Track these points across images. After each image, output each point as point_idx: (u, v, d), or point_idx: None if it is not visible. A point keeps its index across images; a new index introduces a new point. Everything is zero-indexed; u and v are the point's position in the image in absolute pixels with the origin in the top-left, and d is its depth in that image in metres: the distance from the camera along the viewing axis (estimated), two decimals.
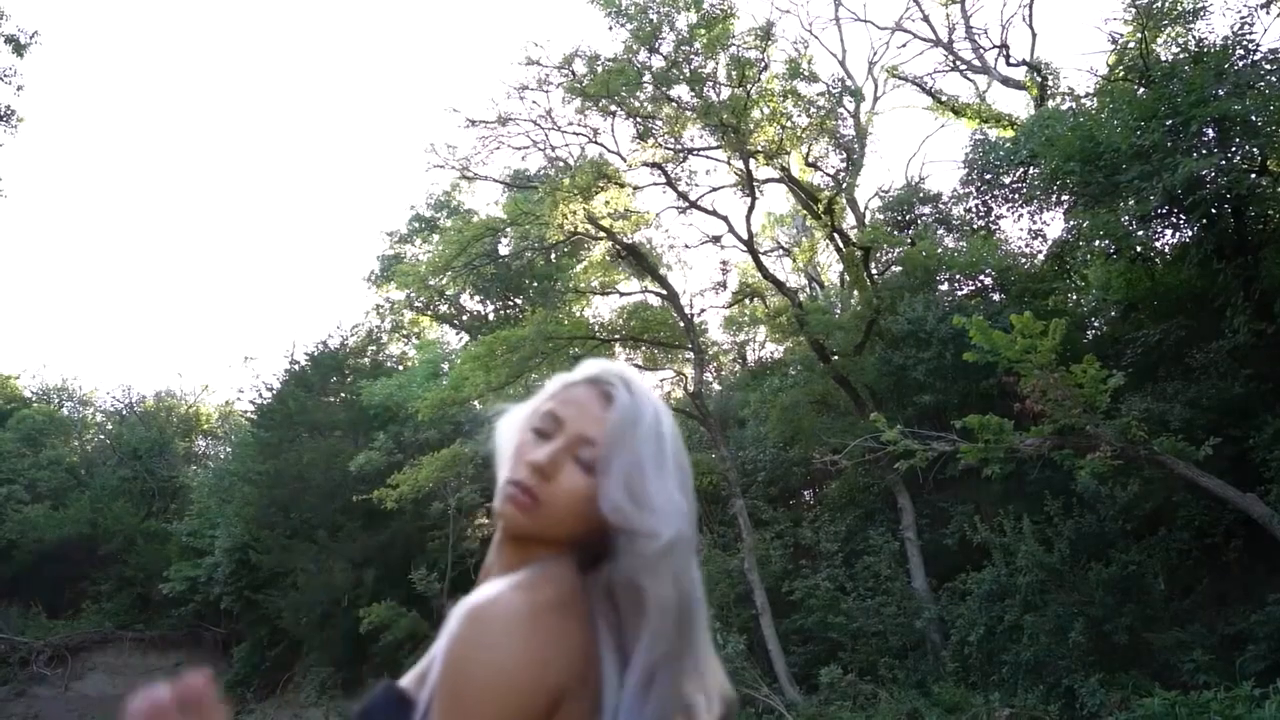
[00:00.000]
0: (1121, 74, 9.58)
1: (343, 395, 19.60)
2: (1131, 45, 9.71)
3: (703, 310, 14.64)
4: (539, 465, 1.05)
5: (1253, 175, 8.35)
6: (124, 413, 29.05)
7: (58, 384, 30.21)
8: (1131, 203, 8.58)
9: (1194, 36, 9.05)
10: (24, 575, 23.13)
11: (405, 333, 22.74)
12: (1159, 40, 9.35)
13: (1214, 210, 8.36)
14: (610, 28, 10.06)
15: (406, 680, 1.07)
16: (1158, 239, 9.63)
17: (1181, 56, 8.79)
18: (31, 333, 50.12)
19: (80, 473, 26.21)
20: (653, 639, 0.98)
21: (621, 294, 13.11)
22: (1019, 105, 15.90)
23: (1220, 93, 8.05)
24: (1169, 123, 8.09)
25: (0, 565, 22.88)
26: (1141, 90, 9.02)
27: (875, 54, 15.53)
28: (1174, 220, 9.20)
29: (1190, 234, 9.17)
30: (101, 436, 29.29)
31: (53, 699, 20.73)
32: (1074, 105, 9.62)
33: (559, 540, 1.04)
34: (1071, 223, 9.96)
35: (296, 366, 20.17)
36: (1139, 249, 9.75)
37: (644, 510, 1.01)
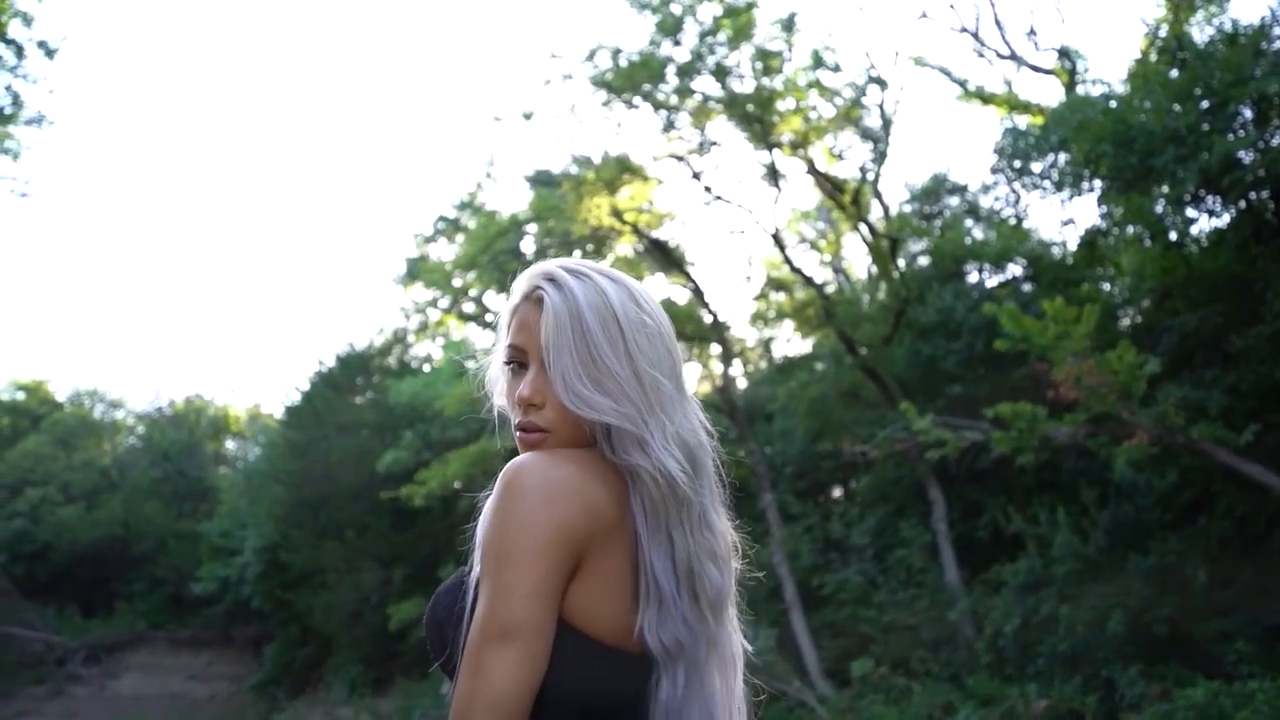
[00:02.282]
0: (1154, 57, 9.41)
1: (370, 395, 19.73)
2: (1164, 28, 9.55)
3: (729, 305, 14.56)
4: (526, 399, 1.11)
5: None
6: (154, 415, 29.44)
7: (89, 387, 30.65)
8: (1166, 188, 8.43)
9: (1229, 17, 8.89)
10: (59, 576, 23.51)
11: (431, 333, 22.87)
12: (1192, 20, 9.19)
13: (1252, 193, 8.19)
14: (638, 11, 10.02)
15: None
16: (1193, 223, 9.45)
17: (1216, 37, 8.62)
18: (62, 337, 50.93)
19: (112, 474, 26.59)
20: (653, 506, 1.06)
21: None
22: (1048, 94, 15.73)
23: (1258, 73, 7.87)
24: (1204, 104, 7.93)
25: (37, 566, 23.25)
26: (1175, 73, 8.86)
27: (900, 43, 15.46)
28: (1210, 204, 9.04)
29: (1227, 218, 9.00)
30: (132, 439, 29.69)
31: (88, 698, 21.03)
32: (1106, 89, 9.46)
33: (579, 443, 1.10)
34: (1104, 209, 9.80)
35: (324, 367, 20.35)
36: (1174, 234, 9.58)
37: (593, 396, 1.06)
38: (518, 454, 1.10)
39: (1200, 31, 9.26)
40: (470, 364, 1.31)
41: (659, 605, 1.04)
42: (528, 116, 11.08)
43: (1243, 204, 8.49)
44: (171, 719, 19.63)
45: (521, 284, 1.15)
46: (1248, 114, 8.13)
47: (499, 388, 1.21)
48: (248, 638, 21.98)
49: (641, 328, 1.10)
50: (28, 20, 11.99)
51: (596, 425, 1.07)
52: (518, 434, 1.13)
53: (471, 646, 0.98)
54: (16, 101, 12.37)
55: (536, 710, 0.99)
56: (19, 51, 11.91)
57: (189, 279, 55.22)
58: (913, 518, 10.43)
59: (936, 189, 13.18)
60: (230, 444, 30.09)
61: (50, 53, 12.67)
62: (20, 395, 28.86)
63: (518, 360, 1.13)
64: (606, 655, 1.03)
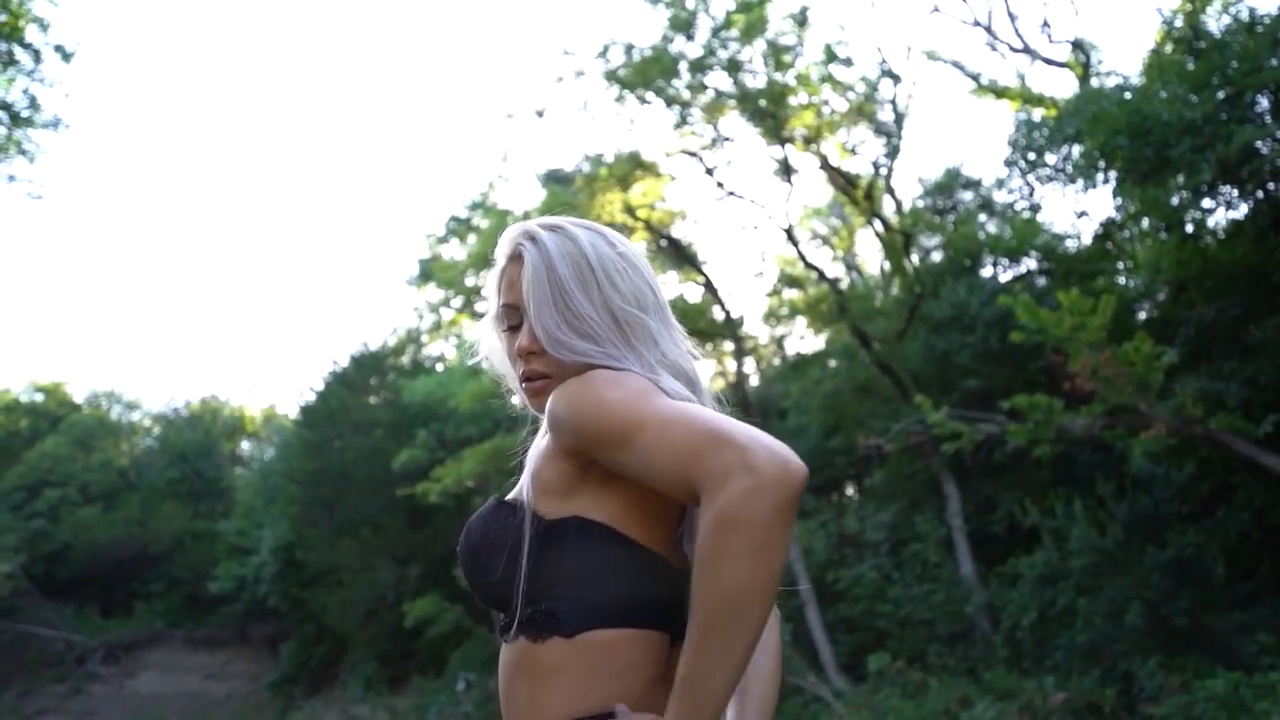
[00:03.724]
0: (1170, 48, 9.35)
1: (384, 395, 19.82)
2: (1180, 18, 9.48)
3: (741, 302, 14.56)
4: (526, 349, 1.16)
5: None
6: (171, 416, 29.66)
7: (106, 389, 30.90)
8: (1182, 179, 8.37)
9: (1247, 5, 8.81)
10: (78, 576, 23.71)
11: (445, 333, 22.95)
12: (1208, 10, 9.11)
13: (1270, 183, 8.13)
14: (651, 6, 10.03)
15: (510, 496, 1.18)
16: (1210, 214, 9.39)
17: (1233, 26, 8.56)
18: (80, 339, 51.35)
19: (130, 475, 26.80)
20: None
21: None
22: (1062, 87, 15.65)
23: (1275, 62, 7.81)
24: (1221, 94, 7.87)
25: (56, 566, 23.45)
26: (1191, 63, 8.80)
27: (912, 38, 15.40)
28: (1227, 195, 8.97)
29: (1245, 209, 8.93)
30: (149, 440, 29.91)
31: (107, 696, 21.20)
32: (1121, 81, 9.41)
33: None
34: (1119, 201, 9.75)
35: (339, 367, 20.45)
36: (1190, 226, 9.51)
37: (574, 341, 1.11)
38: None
39: (1217, 21, 9.19)
40: (485, 364, 1.34)
41: (691, 518, 1.09)
42: (540, 114, 11.12)
43: (1260, 194, 8.42)
44: (189, 717, 19.76)
45: (504, 246, 1.21)
46: (1265, 103, 8.07)
47: (498, 354, 1.26)
48: (264, 636, 22.11)
49: (615, 267, 1.15)
50: (44, 26, 12.09)
51: (585, 368, 1.11)
52: (523, 386, 1.19)
53: (702, 459, 0.94)
54: (33, 105, 12.48)
55: (581, 607, 1.04)
56: (36, 56, 12.02)
57: (204, 281, 55.61)
58: (928, 512, 10.40)
59: (950, 184, 13.14)
60: (245, 444, 30.29)
61: (67, 57, 12.78)
62: (39, 397, 29.12)
63: (513, 319, 1.19)
64: (649, 558, 1.08)
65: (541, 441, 1.15)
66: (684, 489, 0.96)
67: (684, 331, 1.24)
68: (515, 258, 1.18)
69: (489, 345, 1.28)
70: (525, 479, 1.13)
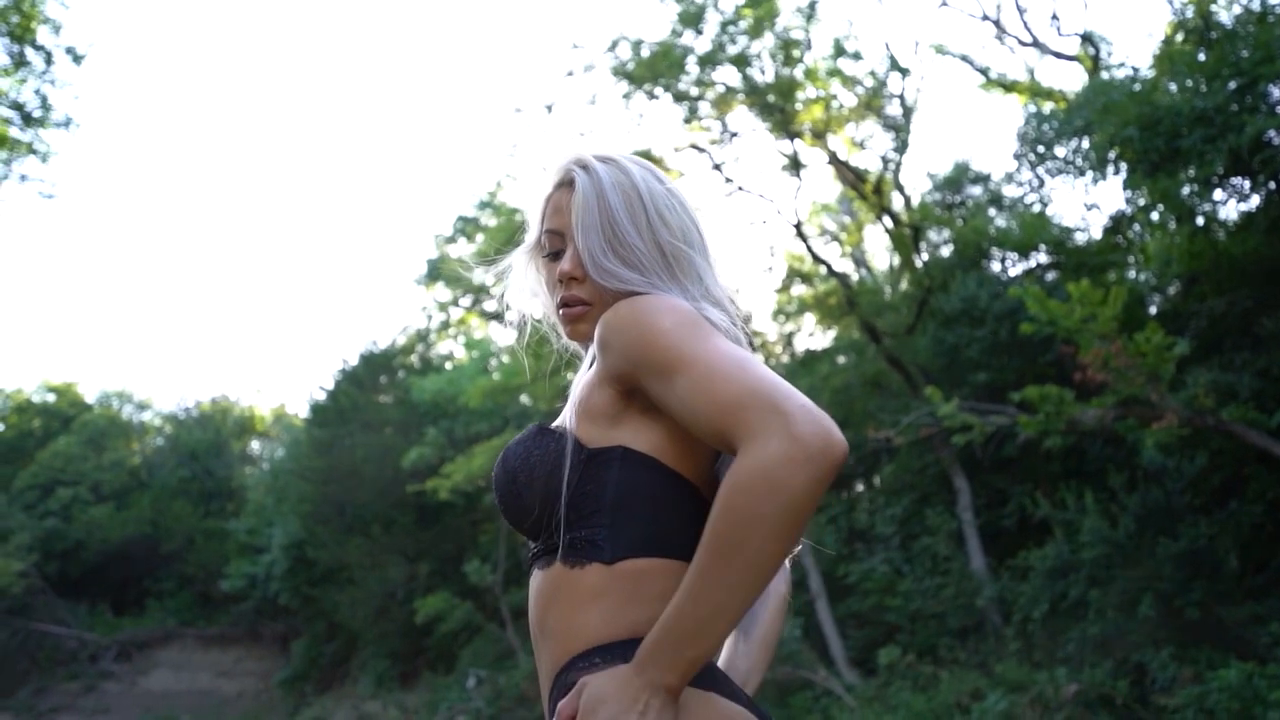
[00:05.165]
0: (1180, 38, 9.32)
1: (394, 393, 19.89)
2: (1190, 10, 9.44)
3: (750, 299, 14.54)
4: (567, 273, 1.16)
5: None
6: (181, 416, 29.81)
7: (117, 389, 31.07)
8: (1193, 170, 8.33)
9: None
10: (91, 574, 23.86)
11: (454, 332, 23.02)
12: (1219, 1, 9.07)
13: None
14: (660, 1, 10.05)
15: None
16: (1221, 206, 9.35)
17: (1244, 17, 8.52)
18: (91, 339, 51.62)
19: (141, 474, 26.95)
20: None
21: None
22: (1071, 81, 15.59)
23: None
24: (1232, 84, 7.84)
25: (69, 564, 23.60)
26: (1202, 55, 8.76)
27: (921, 32, 15.39)
28: (1238, 187, 8.93)
29: (1256, 200, 8.89)
30: (160, 439, 30.07)
31: (120, 694, 21.33)
32: (1131, 72, 9.37)
33: None
34: (1129, 193, 9.71)
35: (348, 366, 20.52)
36: (1201, 219, 9.47)
37: (618, 269, 1.12)
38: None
39: (1228, 11, 9.15)
40: (508, 297, 1.34)
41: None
42: (549, 108, 11.14)
43: (1272, 185, 8.37)
44: (201, 715, 19.86)
45: (554, 172, 1.21)
46: (1277, 94, 8.03)
47: (533, 284, 1.27)
48: (275, 634, 22.20)
49: (665, 202, 1.16)
50: (55, 28, 12.17)
51: (626, 296, 1.12)
52: (561, 311, 1.19)
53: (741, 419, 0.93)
54: (45, 105, 12.56)
55: (622, 536, 1.06)
56: (48, 58, 12.09)
57: (215, 282, 55.85)
58: (938, 506, 10.38)
59: (959, 178, 13.10)
60: (256, 444, 30.41)
61: (78, 59, 12.87)
62: (51, 397, 29.29)
63: (555, 245, 1.19)
64: (688, 492, 1.09)
65: (587, 372, 1.16)
66: (719, 437, 0.95)
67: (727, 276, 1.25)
68: (565, 184, 1.18)
69: (519, 277, 1.28)
70: (569, 407, 1.14)
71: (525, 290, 1.29)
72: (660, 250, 1.13)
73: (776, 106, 10.45)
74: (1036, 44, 12.31)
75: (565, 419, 1.15)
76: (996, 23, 12.38)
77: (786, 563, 1.22)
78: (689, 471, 1.09)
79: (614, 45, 10.33)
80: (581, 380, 1.15)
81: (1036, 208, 12.10)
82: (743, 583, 0.90)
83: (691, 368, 0.98)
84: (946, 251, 12.76)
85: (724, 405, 0.93)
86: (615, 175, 1.15)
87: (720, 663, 1.28)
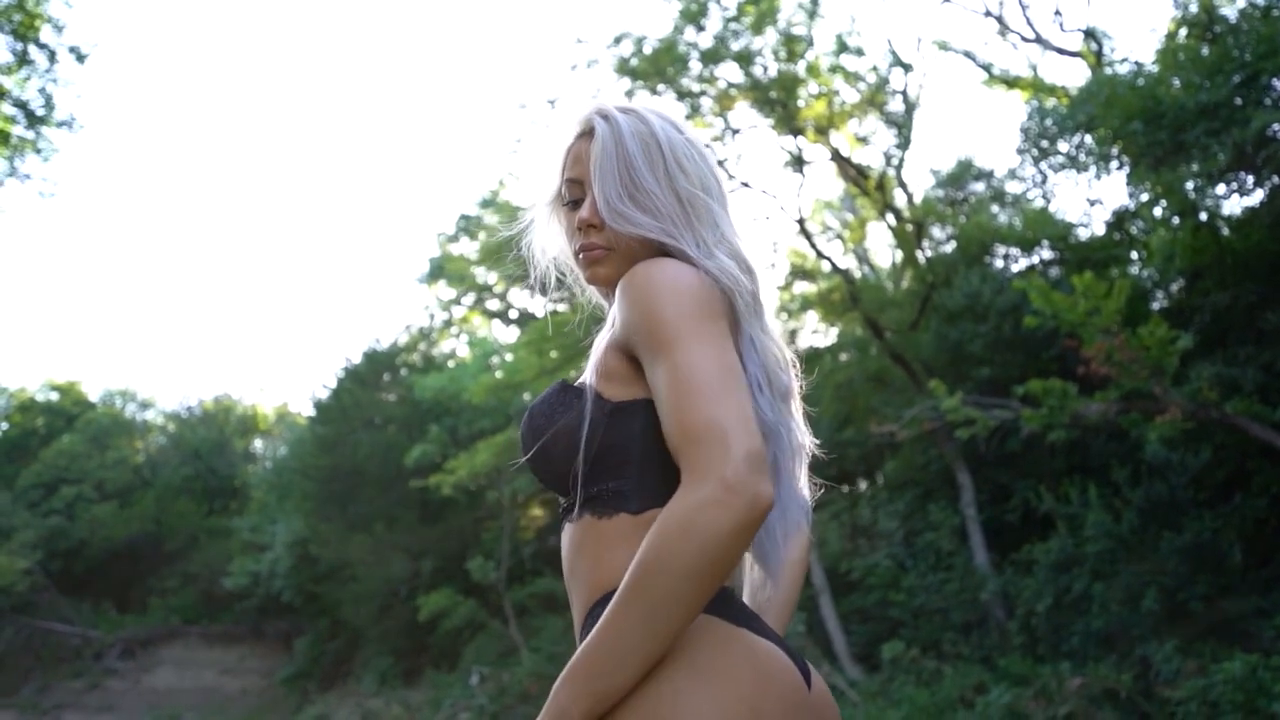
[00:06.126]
0: (1184, 33, 9.30)
1: (396, 391, 19.92)
2: (1194, 4, 9.43)
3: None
4: (585, 220, 1.17)
5: None
6: (184, 414, 29.86)
7: (121, 388, 31.12)
8: (1195, 166, 8.33)
9: None
10: (94, 572, 23.92)
11: (456, 330, 23.05)
12: None
13: None
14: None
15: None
16: (1225, 200, 9.34)
17: (1249, 11, 8.51)
18: (94, 338, 51.69)
19: (144, 472, 26.99)
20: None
21: None
22: (1074, 77, 15.58)
23: None
24: (1236, 78, 7.83)
25: (73, 562, 23.66)
26: (1206, 50, 8.75)
27: (923, 28, 15.38)
28: (1241, 182, 8.92)
29: (1260, 195, 8.88)
30: (163, 438, 30.12)
31: (124, 692, 21.37)
32: (1134, 66, 9.36)
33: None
34: (1132, 188, 9.71)
35: (351, 364, 20.55)
36: (1204, 214, 9.46)
37: (633, 214, 1.13)
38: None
39: (1231, 5, 9.15)
40: (530, 250, 1.34)
41: (755, 400, 1.10)
42: (552, 103, 11.15)
43: (1276, 180, 8.37)
44: (204, 712, 19.90)
45: (576, 123, 1.22)
46: None
47: (555, 234, 1.29)
48: (278, 632, 22.23)
49: (684, 151, 1.17)
50: (58, 27, 12.19)
51: (642, 242, 1.15)
52: (580, 257, 1.21)
53: (690, 415, 0.97)
54: (48, 104, 12.59)
55: (648, 487, 1.08)
56: (51, 56, 12.12)
57: (217, 280, 55.90)
58: (941, 502, 10.38)
59: (962, 174, 13.10)
60: (259, 442, 30.44)
61: (81, 58, 12.88)
62: (54, 396, 29.34)
63: (575, 194, 1.21)
64: None
65: (606, 332, 1.18)
66: (672, 452, 0.99)
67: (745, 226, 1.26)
68: (586, 134, 1.20)
69: (541, 230, 1.30)
70: (589, 365, 1.16)
71: (548, 242, 1.30)
72: (677, 197, 1.14)
73: (779, 103, 10.45)
74: (1039, 40, 12.30)
75: (587, 376, 1.16)
76: (999, 19, 12.37)
77: (807, 494, 1.24)
78: None
79: (617, 41, 10.34)
80: (601, 339, 1.18)
81: (1039, 203, 12.11)
82: (654, 622, 0.92)
83: (673, 369, 1.00)
84: (949, 248, 12.75)
85: (682, 428, 0.96)
86: (634, 124, 1.16)
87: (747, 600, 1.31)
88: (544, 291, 1.34)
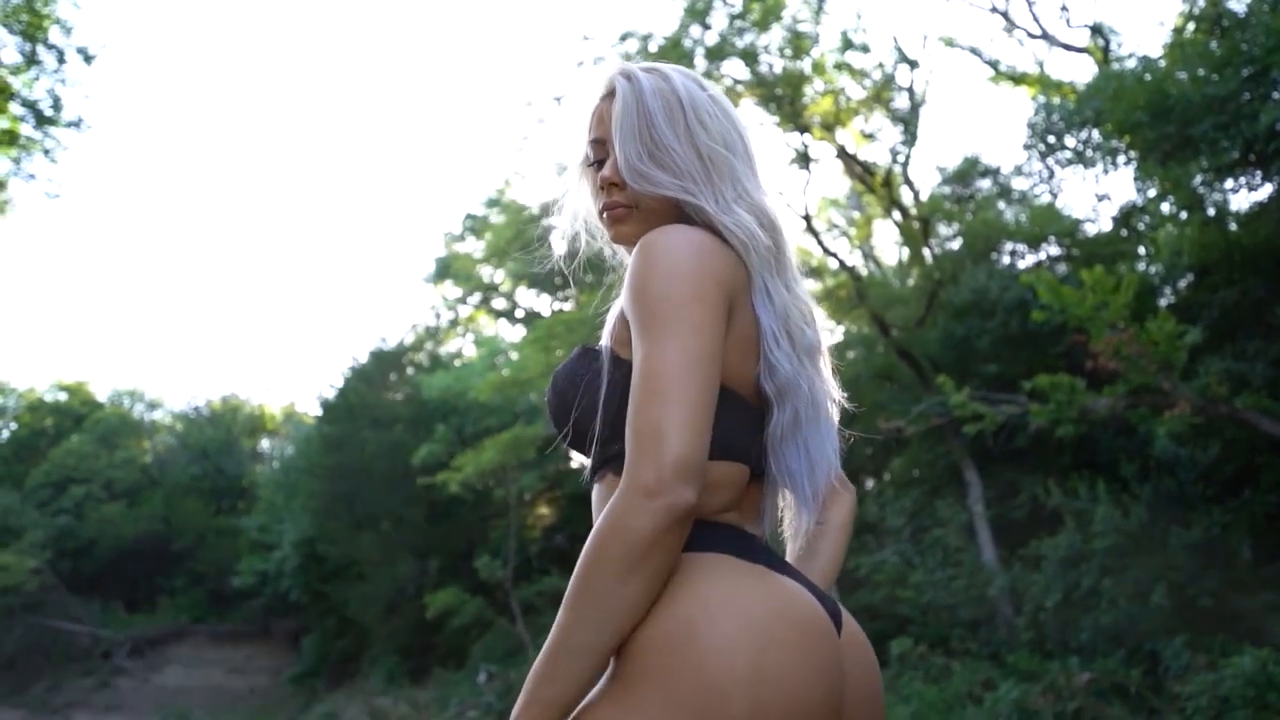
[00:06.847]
0: (1191, 27, 9.28)
1: (403, 390, 19.96)
2: (1202, 2, 9.40)
3: None
4: (607, 179, 1.18)
5: None
6: (192, 414, 29.97)
7: (129, 388, 31.25)
8: (1203, 161, 8.30)
9: None
10: (103, 571, 24.03)
11: (463, 329, 23.09)
12: None
13: None
14: None
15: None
16: (1233, 194, 9.31)
17: (1257, 5, 8.48)
18: (102, 338, 51.89)
19: (153, 472, 27.12)
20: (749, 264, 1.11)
21: None
22: (1081, 73, 15.54)
23: None
24: (1245, 72, 7.80)
25: (81, 562, 23.77)
26: (1214, 44, 8.72)
27: (929, 24, 15.36)
28: (1250, 177, 8.89)
29: (1269, 190, 8.85)
30: (171, 438, 30.23)
31: (133, 690, 21.47)
32: (1142, 60, 9.33)
33: (666, 221, 1.14)
34: (1140, 183, 9.68)
35: (358, 363, 20.61)
36: (1212, 210, 9.43)
37: (653, 172, 1.13)
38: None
39: (1239, 3, 9.12)
40: (562, 220, 1.35)
41: (772, 355, 1.11)
42: (558, 100, 11.17)
43: None
44: (213, 711, 19.97)
45: (599, 83, 1.23)
46: None
47: (582, 195, 1.29)
48: (286, 630, 22.32)
49: (706, 109, 1.17)
50: (67, 28, 12.24)
51: (664, 200, 1.15)
52: (604, 216, 1.22)
53: (645, 399, 0.99)
54: (56, 105, 12.64)
55: None
56: (60, 57, 12.17)
57: (225, 281, 56.08)
58: (949, 498, 10.37)
59: (968, 171, 13.07)
60: (266, 442, 30.55)
61: (89, 59, 12.93)
62: (62, 396, 29.49)
63: (599, 154, 1.22)
64: (733, 400, 1.10)
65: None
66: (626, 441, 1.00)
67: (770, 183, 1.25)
68: (609, 95, 1.21)
69: (573, 196, 1.31)
70: (606, 328, 1.18)
71: (578, 205, 1.31)
72: (697, 153, 1.14)
73: (784, 100, 10.45)
74: (1046, 36, 12.27)
75: (604, 339, 1.18)
76: (1005, 15, 12.34)
77: (838, 465, 1.23)
78: (728, 377, 1.10)
79: (623, 38, 10.35)
80: (616, 305, 1.18)
81: (1046, 199, 12.08)
82: (594, 623, 0.94)
83: (642, 360, 1.01)
84: (956, 244, 12.73)
85: (630, 425, 0.98)
86: (656, 82, 1.17)
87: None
88: (572, 260, 1.34)
